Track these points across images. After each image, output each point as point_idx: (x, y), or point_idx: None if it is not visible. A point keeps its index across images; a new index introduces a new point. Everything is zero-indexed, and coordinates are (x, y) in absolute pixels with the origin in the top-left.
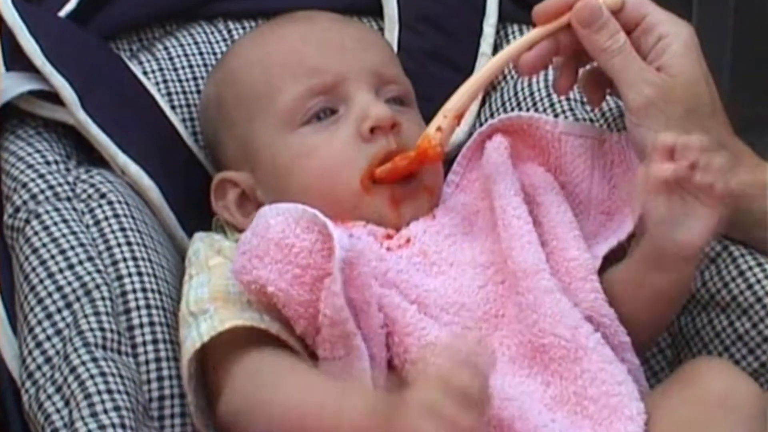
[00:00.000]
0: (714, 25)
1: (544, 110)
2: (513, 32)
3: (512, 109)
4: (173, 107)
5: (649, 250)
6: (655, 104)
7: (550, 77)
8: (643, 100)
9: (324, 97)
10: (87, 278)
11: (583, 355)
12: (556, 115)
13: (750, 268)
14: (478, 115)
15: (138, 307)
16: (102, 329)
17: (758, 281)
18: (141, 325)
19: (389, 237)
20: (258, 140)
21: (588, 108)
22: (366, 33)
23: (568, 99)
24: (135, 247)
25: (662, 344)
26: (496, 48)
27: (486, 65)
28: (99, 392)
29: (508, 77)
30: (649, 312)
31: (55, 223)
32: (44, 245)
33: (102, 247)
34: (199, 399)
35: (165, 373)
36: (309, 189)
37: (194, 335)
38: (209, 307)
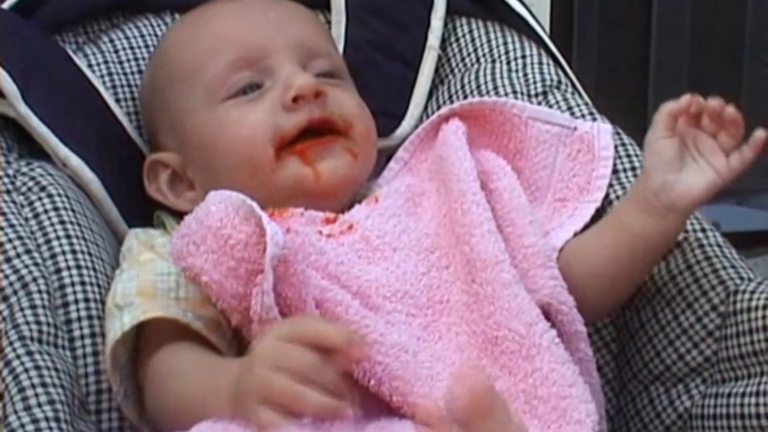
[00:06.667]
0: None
1: None
2: (461, 25)
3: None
4: (118, 100)
5: (641, 190)
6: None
7: (497, 70)
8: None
9: (249, 72)
10: (24, 271)
11: (535, 353)
12: None
13: (698, 262)
14: (425, 108)
15: (76, 301)
16: (38, 322)
17: (705, 275)
18: (79, 319)
19: (330, 221)
20: (185, 116)
21: (534, 101)
22: (294, 9)
23: (514, 92)
24: (74, 240)
25: (607, 338)
26: (443, 41)
27: None
28: (33, 386)
29: (455, 70)
30: (608, 269)
31: None
32: None
33: (41, 240)
34: (131, 390)
35: (102, 366)
36: (229, 159)
37: (117, 326)
38: (134, 301)
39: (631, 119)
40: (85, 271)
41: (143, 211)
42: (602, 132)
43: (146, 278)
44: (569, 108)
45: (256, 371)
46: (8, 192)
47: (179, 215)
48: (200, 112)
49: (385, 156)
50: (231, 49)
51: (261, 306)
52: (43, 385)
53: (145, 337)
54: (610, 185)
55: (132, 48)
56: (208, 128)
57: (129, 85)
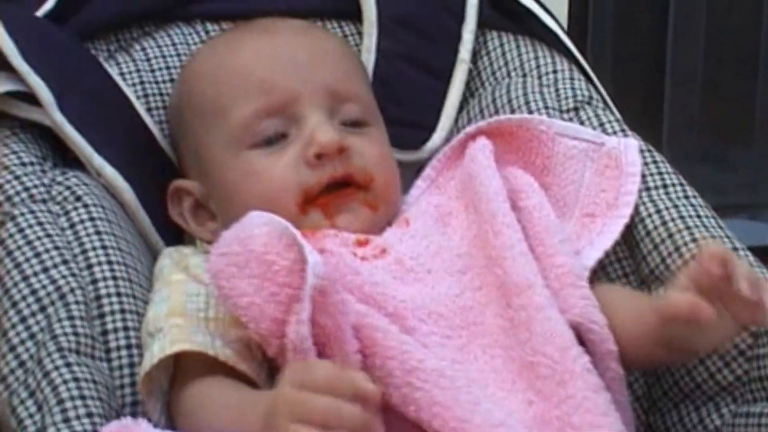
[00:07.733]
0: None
1: None
2: (492, 39)
3: (490, 116)
4: (149, 109)
5: (660, 327)
6: None
7: (529, 85)
8: None
9: (275, 120)
10: (61, 282)
11: (569, 379)
12: None
13: None
14: (456, 121)
15: (112, 312)
16: (76, 333)
17: None
18: (115, 330)
19: (362, 243)
20: (208, 154)
21: (566, 117)
22: (323, 45)
23: (546, 107)
24: (110, 251)
25: None
26: (474, 54)
27: None
28: (72, 398)
29: (486, 83)
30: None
31: (30, 226)
32: (19, 248)
33: (77, 251)
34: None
35: (138, 378)
36: (252, 208)
37: (147, 356)
38: (164, 326)
39: (647, 125)
40: (120, 282)
41: (174, 222)
42: (629, 147)
43: (177, 299)
44: (601, 124)
45: (281, 427)
46: (44, 201)
47: None
48: (223, 153)
49: (415, 169)
50: (257, 94)
51: (297, 335)
52: (82, 397)
53: (177, 366)
54: (642, 203)
55: (164, 56)
56: (230, 173)
57: (161, 94)
